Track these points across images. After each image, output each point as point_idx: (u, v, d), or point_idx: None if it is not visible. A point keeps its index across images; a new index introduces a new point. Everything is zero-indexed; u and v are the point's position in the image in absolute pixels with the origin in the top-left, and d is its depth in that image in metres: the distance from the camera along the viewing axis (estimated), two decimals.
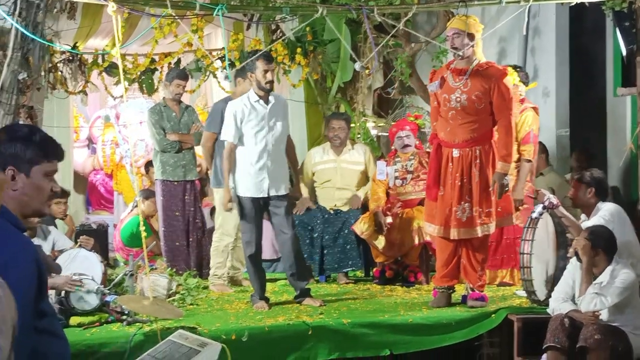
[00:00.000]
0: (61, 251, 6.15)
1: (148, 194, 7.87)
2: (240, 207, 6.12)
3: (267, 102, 6.10)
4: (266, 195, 6.07)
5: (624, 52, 6.63)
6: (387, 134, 9.45)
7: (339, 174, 7.47)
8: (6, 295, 1.74)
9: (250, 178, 6.06)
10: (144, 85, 9.07)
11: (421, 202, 6.87)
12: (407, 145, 7.23)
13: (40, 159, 2.66)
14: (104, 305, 5.73)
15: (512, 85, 6.17)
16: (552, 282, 5.83)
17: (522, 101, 6.78)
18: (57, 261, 5.85)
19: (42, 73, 7.74)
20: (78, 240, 6.21)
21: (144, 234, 5.51)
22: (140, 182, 10.93)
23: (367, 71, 8.27)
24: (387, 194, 7.27)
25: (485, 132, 5.95)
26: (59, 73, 8.65)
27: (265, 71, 6.01)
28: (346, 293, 6.78)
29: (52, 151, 2.77)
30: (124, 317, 5.53)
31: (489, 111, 5.91)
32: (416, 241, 7.01)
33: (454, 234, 5.95)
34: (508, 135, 5.92)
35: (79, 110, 11.34)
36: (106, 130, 11.54)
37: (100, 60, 8.82)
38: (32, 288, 2.57)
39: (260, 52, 6.19)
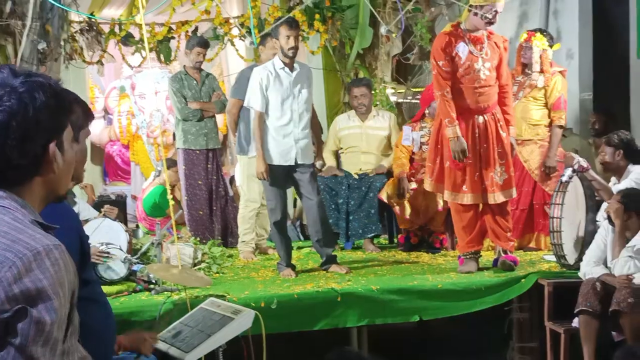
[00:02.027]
0: (86, 221, 6.11)
1: (170, 163, 7.83)
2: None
3: (292, 69, 6.02)
4: (294, 164, 6.01)
5: None
6: (407, 100, 9.38)
7: (364, 139, 7.41)
8: (63, 258, 1.69)
9: (277, 146, 5.99)
10: (161, 54, 8.99)
11: None
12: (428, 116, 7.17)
13: (85, 121, 2.60)
14: (132, 274, 5.71)
15: (542, 49, 6.09)
16: (582, 246, 5.76)
17: (550, 64, 6.68)
18: None
19: (61, 43, 7.69)
20: (102, 209, 6.18)
21: (171, 203, 5.46)
22: (157, 153, 10.91)
23: (394, 35, 8.16)
24: (411, 160, 7.20)
25: (497, 97, 6.00)
26: (76, 43, 8.59)
27: (288, 37, 5.92)
28: (372, 260, 6.74)
29: (91, 115, 2.73)
30: (152, 286, 5.51)
31: (497, 77, 5.98)
32: (441, 206, 6.96)
33: (494, 198, 5.90)
34: (510, 101, 6.09)
35: (94, 81, 11.30)
36: (122, 101, 11.51)
37: (117, 30, 8.75)
38: (76, 256, 2.55)
39: (284, 18, 6.09)
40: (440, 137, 6.00)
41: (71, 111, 1.87)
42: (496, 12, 5.79)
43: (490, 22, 5.83)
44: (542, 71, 6.62)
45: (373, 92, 9.03)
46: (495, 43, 5.94)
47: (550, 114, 6.58)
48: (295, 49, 6.01)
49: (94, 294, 2.86)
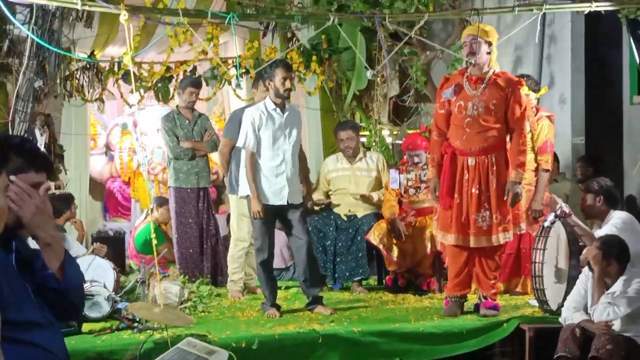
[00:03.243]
0: (75, 258, 6.17)
1: (162, 201, 7.91)
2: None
3: (283, 110, 6.12)
4: (285, 203, 6.08)
5: (638, 61, 6.58)
6: (401, 141, 9.45)
7: (353, 181, 7.46)
8: None
9: (270, 185, 6.08)
10: (159, 93, 9.12)
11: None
12: (418, 163, 7.22)
13: (27, 167, 2.59)
14: (116, 312, 5.76)
15: (526, 95, 6.16)
16: (565, 291, 5.77)
17: (536, 110, 6.74)
18: None
19: (59, 81, 7.82)
20: (92, 247, 6.25)
21: (154, 241, 5.53)
22: (157, 190, 10.99)
23: (379, 79, 8.26)
24: (400, 202, 7.25)
25: (500, 140, 5.93)
26: (76, 81, 8.73)
27: (284, 79, 6.03)
28: (358, 301, 6.76)
29: (40, 162, 2.67)
30: (135, 324, 5.55)
31: (504, 119, 5.89)
32: (429, 249, 6.99)
33: (473, 242, 5.92)
34: (522, 144, 5.92)
35: (97, 118, 11.42)
36: (124, 138, 11.61)
37: (116, 68, 8.89)
38: None
39: (274, 59, 6.20)
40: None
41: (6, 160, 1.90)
42: (469, 44, 5.86)
43: (472, 53, 5.88)
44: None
45: (368, 132, 9.13)
46: (498, 84, 5.87)
47: (537, 158, 6.62)
48: (290, 90, 6.14)
49: (41, 339, 2.78)
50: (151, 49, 8.63)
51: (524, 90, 6.19)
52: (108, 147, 11.80)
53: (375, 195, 7.40)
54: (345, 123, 7.94)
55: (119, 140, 11.64)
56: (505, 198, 5.88)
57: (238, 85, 7.06)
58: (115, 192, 11.61)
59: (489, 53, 5.94)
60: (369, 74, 6.10)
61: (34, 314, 2.69)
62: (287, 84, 6.06)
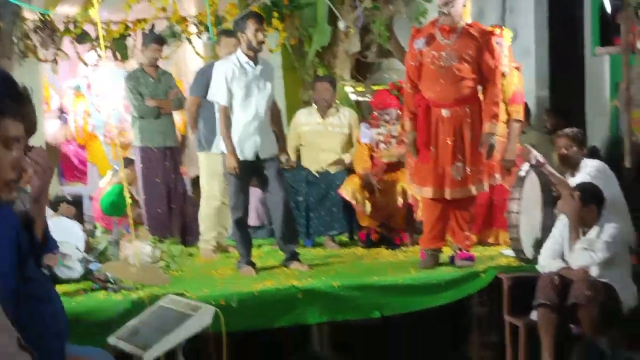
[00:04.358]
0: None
1: (127, 162, 7.74)
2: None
3: (256, 63, 5.99)
4: (259, 158, 5.98)
5: (609, 9, 6.54)
6: (366, 98, 9.39)
7: (325, 136, 7.37)
8: None
9: (243, 140, 5.96)
10: (117, 52, 8.90)
11: (404, 165, 6.80)
12: (388, 120, 7.15)
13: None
14: (89, 273, 5.65)
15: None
16: (540, 240, 5.81)
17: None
18: None
19: (15, 40, 7.57)
20: (59, 208, 6.09)
21: (129, 201, 5.40)
22: (114, 153, 10.78)
23: (351, 30, 8.15)
24: (371, 158, 7.20)
25: (475, 91, 5.89)
26: (30, 41, 8.46)
27: (257, 30, 5.89)
28: (333, 257, 6.72)
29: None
30: (109, 285, 5.44)
31: (477, 70, 5.84)
32: (400, 203, 6.97)
33: (448, 193, 5.90)
34: (496, 96, 5.91)
35: (50, 81, 11.12)
36: (78, 101, 11.34)
37: (72, 27, 8.63)
38: (13, 253, 2.57)
39: (246, 11, 6.05)
40: None
41: None
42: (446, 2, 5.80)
43: (446, 4, 5.78)
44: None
45: None
46: (471, 34, 5.80)
47: (507, 109, 6.61)
48: (263, 42, 6.01)
49: (39, 290, 2.82)
50: (105, 8, 8.39)
51: (509, 40, 6.14)
52: (62, 110, 11.52)
53: (346, 158, 7.34)
54: (324, 76, 7.95)
55: (73, 103, 11.37)
56: (480, 149, 5.87)
57: (210, 39, 6.89)
58: (70, 156, 11.36)
59: (464, 6, 5.88)
60: (341, 24, 5.98)
61: (35, 270, 2.72)
62: (260, 35, 5.93)
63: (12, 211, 2.68)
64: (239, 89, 5.94)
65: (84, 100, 11.26)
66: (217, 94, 5.98)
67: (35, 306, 2.63)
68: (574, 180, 5.76)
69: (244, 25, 5.90)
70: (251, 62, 5.97)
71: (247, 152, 5.97)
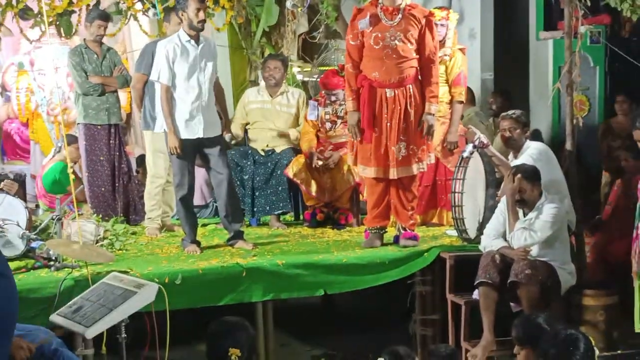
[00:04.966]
0: None
1: (71, 140, 7.62)
2: None
3: (197, 42, 5.95)
4: (200, 137, 5.95)
5: None
6: (312, 79, 9.38)
7: (272, 116, 7.35)
8: None
9: (185, 120, 5.92)
10: (62, 28, 8.74)
11: None
12: (335, 101, 7.16)
13: None
14: (30, 251, 5.58)
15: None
16: (483, 220, 5.90)
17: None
18: None
19: None
20: (1, 185, 5.99)
21: (72, 177, 5.34)
22: (57, 131, 10.61)
23: (299, 9, 8.13)
24: (317, 137, 7.21)
25: (415, 72, 5.95)
26: None
27: (198, 9, 5.84)
28: (278, 236, 6.75)
29: None
30: (52, 262, 5.39)
31: (417, 51, 5.91)
32: (347, 184, 7.01)
33: (392, 173, 5.95)
34: (436, 76, 6.02)
35: None
36: (20, 78, 11.11)
37: (14, 2, 8.44)
38: None
39: None
40: None
41: None
42: None
43: None
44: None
45: None
46: (413, 15, 5.87)
47: (450, 91, 6.69)
48: (204, 22, 5.96)
49: None
50: None
51: (454, 22, 6.18)
52: (4, 88, 11.28)
53: (293, 133, 7.33)
54: (277, 55, 7.91)
55: (15, 80, 11.13)
56: (419, 129, 5.94)
57: (155, 14, 6.81)
58: (13, 134, 11.14)
59: None
60: (289, 3, 5.96)
61: None
62: (201, 14, 5.88)
63: None
64: (181, 69, 5.91)
65: (27, 77, 11.04)
66: (159, 74, 5.95)
67: None
68: (516, 162, 5.85)
69: (185, 4, 5.85)
70: (193, 42, 5.93)
71: (190, 132, 5.94)
